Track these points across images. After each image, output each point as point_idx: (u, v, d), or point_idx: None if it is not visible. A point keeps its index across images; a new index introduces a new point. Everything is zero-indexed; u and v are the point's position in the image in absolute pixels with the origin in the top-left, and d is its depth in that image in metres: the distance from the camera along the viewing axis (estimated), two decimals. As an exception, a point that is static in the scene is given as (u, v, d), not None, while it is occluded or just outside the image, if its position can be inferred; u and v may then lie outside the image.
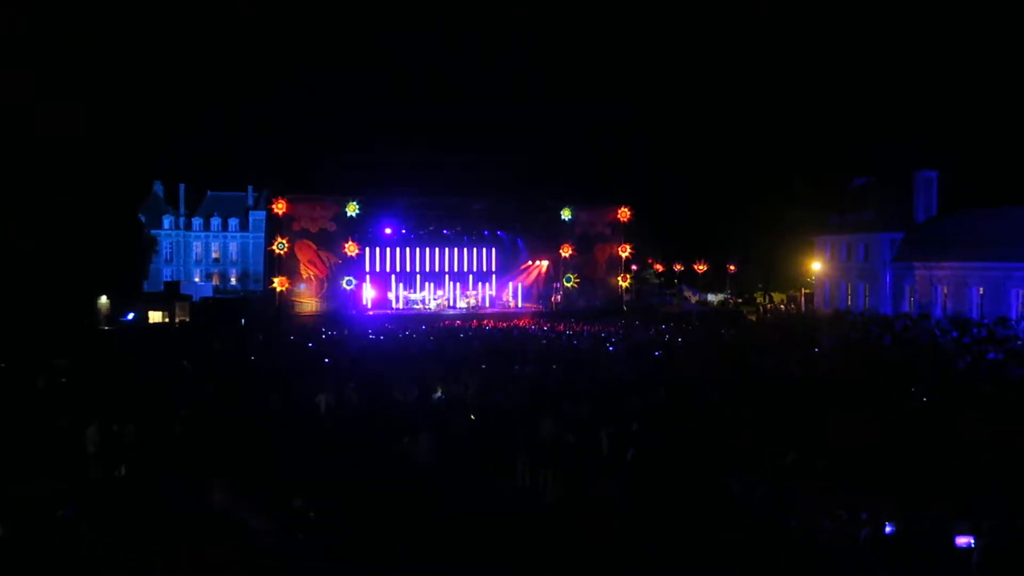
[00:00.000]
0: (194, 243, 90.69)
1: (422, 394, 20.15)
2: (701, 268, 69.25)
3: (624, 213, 57.64)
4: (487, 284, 60.20)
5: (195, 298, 56.01)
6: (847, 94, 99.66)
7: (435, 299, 57.46)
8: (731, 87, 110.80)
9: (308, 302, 52.43)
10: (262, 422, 16.94)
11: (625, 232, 58.69)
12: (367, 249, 55.75)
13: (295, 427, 16.68)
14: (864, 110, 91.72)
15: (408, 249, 58.23)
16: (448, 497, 11.91)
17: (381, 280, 57.64)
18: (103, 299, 48.95)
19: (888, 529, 10.16)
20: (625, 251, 58.58)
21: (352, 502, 11.52)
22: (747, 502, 11.66)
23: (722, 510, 11.45)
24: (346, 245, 52.11)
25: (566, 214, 56.16)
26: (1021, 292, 45.71)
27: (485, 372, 24.38)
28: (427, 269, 58.93)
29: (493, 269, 60.48)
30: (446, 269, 59.34)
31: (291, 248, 51.38)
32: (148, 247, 68.47)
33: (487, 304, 58.45)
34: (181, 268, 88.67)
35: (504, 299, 59.81)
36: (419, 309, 56.06)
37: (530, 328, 43.21)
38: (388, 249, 57.68)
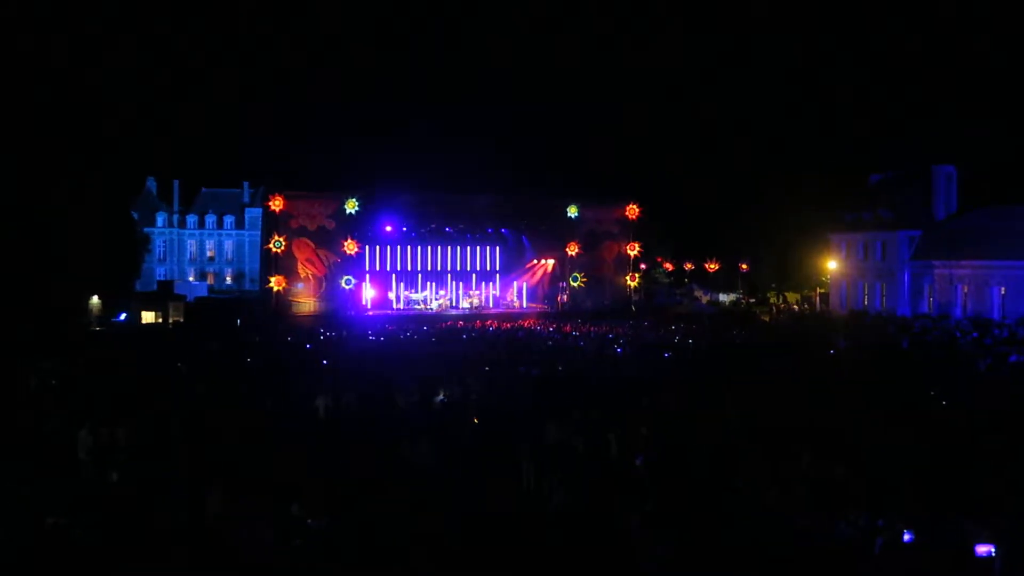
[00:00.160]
0: (188, 241, 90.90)
1: (424, 397, 20.18)
2: (712, 267, 69.17)
3: (633, 210, 57.63)
4: (491, 283, 60.21)
5: (189, 298, 56.15)
6: (862, 87, 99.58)
7: (437, 299, 57.47)
8: (743, 80, 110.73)
9: (306, 302, 52.50)
10: (258, 426, 16.97)
11: (634, 230, 58.70)
12: (367, 247, 55.75)
13: (292, 431, 16.70)
14: (880, 104, 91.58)
15: (409, 247, 58.24)
16: (449, 504, 11.92)
17: (381, 279, 57.65)
18: (95, 299, 49.11)
19: (906, 537, 10.15)
20: (634, 249, 58.58)
21: (351, 509, 11.55)
22: (760, 507, 11.66)
23: (735, 516, 11.45)
24: (345, 243, 52.17)
25: (573, 211, 56.16)
26: (1044, 292, 45.63)
27: (489, 374, 24.39)
28: (429, 268, 58.94)
29: (497, 268, 60.48)
30: (448, 268, 59.35)
31: (288, 246, 51.45)
32: (141, 245, 68.68)
33: (491, 304, 58.46)
34: (175, 267, 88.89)
35: (508, 299, 59.82)
36: (420, 309, 56.08)
37: (535, 329, 43.22)
38: (388, 247, 57.69)
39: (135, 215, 77.00)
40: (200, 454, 14.44)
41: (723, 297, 73.30)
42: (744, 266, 70.56)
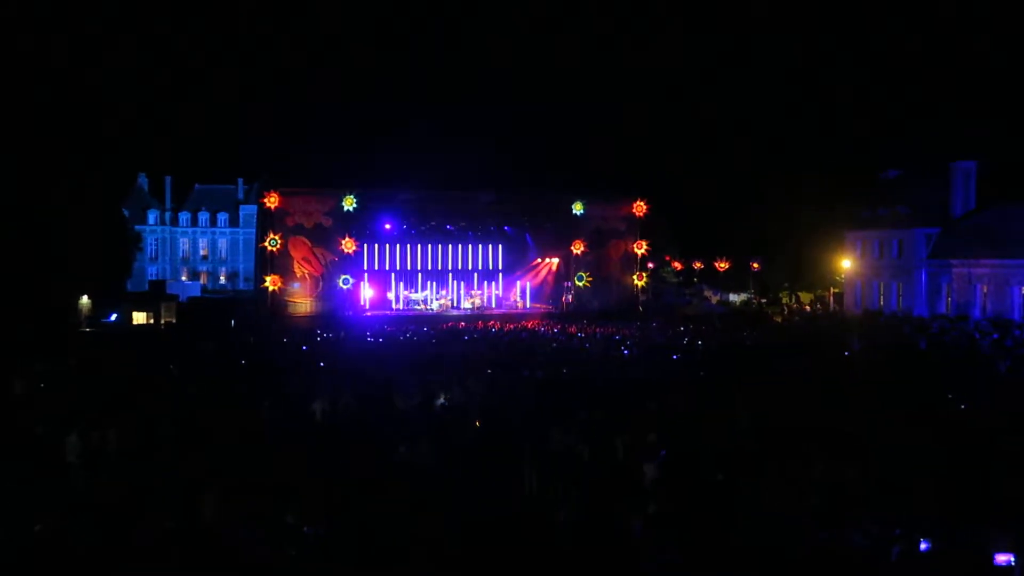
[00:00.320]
0: (181, 239, 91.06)
1: (424, 400, 20.20)
2: (722, 266, 69.14)
3: (640, 207, 57.63)
4: (493, 283, 60.23)
5: (182, 298, 56.33)
6: (877, 81, 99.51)
7: (438, 299, 57.51)
8: (754, 74, 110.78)
9: (302, 302, 52.56)
10: (253, 430, 17.00)
11: (641, 227, 58.67)
12: (365, 246, 55.81)
13: (288, 436, 16.72)
14: (896, 98, 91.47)
15: (409, 246, 58.29)
16: (449, 507, 11.93)
17: (380, 279, 57.72)
18: (84, 299, 49.22)
19: (923, 546, 10.13)
20: (641, 248, 58.56)
21: (348, 514, 11.56)
22: (770, 514, 11.64)
23: (744, 522, 11.43)
24: (343, 241, 52.23)
25: (578, 208, 56.17)
26: (1067, 292, 45.56)
27: (491, 377, 24.40)
28: (429, 267, 59.01)
29: (500, 267, 60.53)
30: (449, 267, 59.42)
31: (284, 244, 51.51)
32: (132, 244, 68.78)
33: (493, 304, 58.49)
34: (167, 266, 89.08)
35: (511, 299, 59.86)
36: (421, 310, 56.13)
37: (539, 330, 43.24)
38: (388, 246, 57.75)
39: (126, 213, 77.17)
40: (192, 458, 14.45)
41: (734, 297, 73.26)
42: (755, 265, 70.48)
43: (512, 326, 45.34)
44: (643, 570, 10.22)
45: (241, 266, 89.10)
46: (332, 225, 52.40)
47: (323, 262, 52.84)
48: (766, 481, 12.99)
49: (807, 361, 28.68)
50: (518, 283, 60.32)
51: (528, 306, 58.87)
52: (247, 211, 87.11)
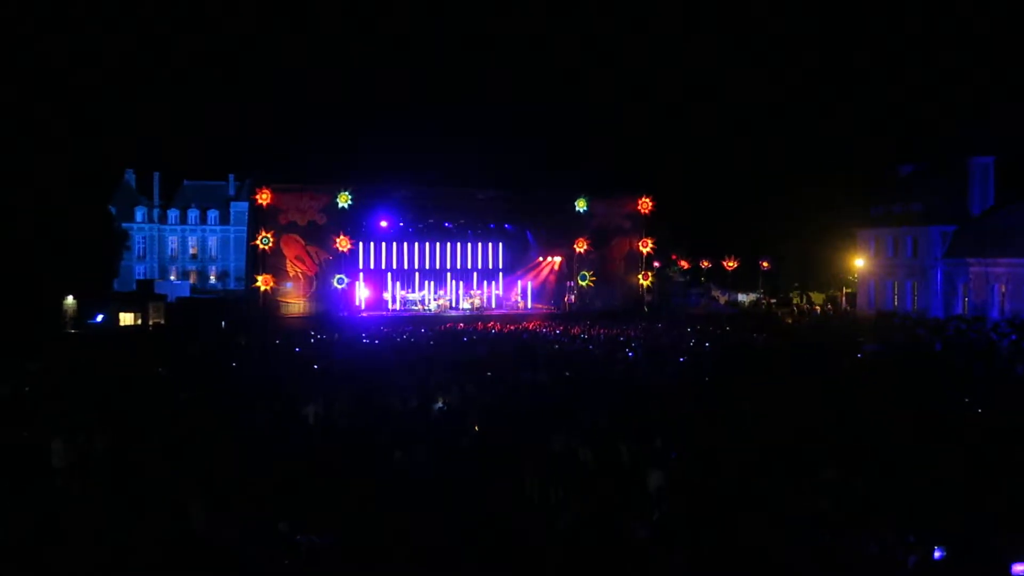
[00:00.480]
0: (170, 237, 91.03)
1: (421, 404, 20.23)
2: (731, 265, 69.08)
3: (645, 204, 57.67)
4: (493, 283, 60.27)
5: (171, 298, 56.27)
6: (891, 75, 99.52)
7: (436, 299, 57.54)
8: (764, 67, 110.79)
9: (295, 302, 52.62)
10: (245, 435, 17.03)
11: (646, 225, 58.73)
12: (360, 244, 55.90)
13: (281, 440, 16.76)
14: (911, 91, 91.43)
15: (406, 244, 58.32)
16: (447, 517, 11.96)
17: (376, 278, 57.76)
18: (69, 300, 49.22)
19: (938, 554, 10.15)
20: (646, 246, 58.62)
21: (342, 524, 11.59)
22: (781, 522, 11.66)
23: (753, 530, 11.46)
24: (337, 240, 52.28)
25: (581, 205, 56.21)
26: (1088, 292, 45.54)
27: (491, 380, 24.43)
28: (427, 266, 59.02)
29: (500, 266, 60.55)
30: (448, 266, 59.44)
31: (276, 243, 51.57)
32: (119, 242, 68.79)
33: (493, 305, 58.54)
34: (155, 265, 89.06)
35: (512, 299, 59.88)
36: (418, 310, 56.16)
37: (541, 331, 43.27)
38: (384, 244, 57.78)
39: (113, 210, 77.23)
40: (182, 466, 14.48)
41: (742, 297, 73.17)
42: (765, 264, 70.45)
43: (513, 327, 45.38)
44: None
45: (232, 265, 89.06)
46: (326, 223, 52.45)
47: (317, 261, 52.90)
48: (776, 489, 13.01)
49: (819, 364, 28.70)
50: (519, 283, 60.33)
51: (529, 306, 58.89)
52: (238, 208, 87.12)
